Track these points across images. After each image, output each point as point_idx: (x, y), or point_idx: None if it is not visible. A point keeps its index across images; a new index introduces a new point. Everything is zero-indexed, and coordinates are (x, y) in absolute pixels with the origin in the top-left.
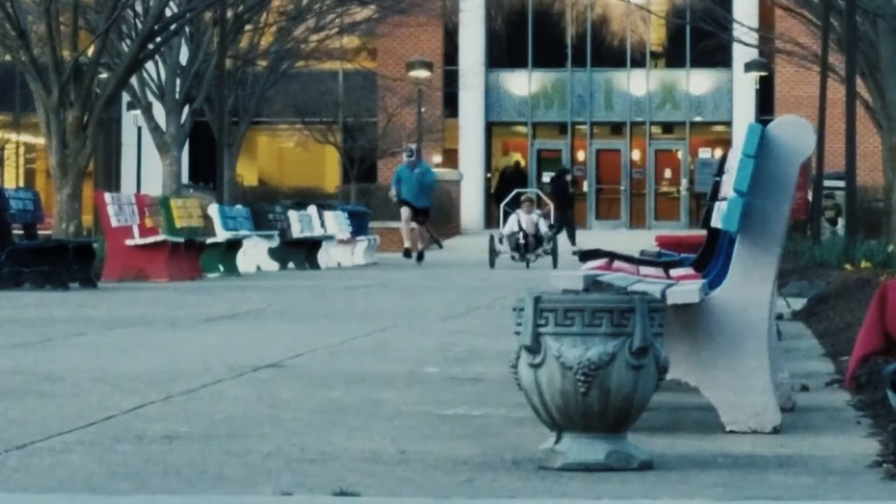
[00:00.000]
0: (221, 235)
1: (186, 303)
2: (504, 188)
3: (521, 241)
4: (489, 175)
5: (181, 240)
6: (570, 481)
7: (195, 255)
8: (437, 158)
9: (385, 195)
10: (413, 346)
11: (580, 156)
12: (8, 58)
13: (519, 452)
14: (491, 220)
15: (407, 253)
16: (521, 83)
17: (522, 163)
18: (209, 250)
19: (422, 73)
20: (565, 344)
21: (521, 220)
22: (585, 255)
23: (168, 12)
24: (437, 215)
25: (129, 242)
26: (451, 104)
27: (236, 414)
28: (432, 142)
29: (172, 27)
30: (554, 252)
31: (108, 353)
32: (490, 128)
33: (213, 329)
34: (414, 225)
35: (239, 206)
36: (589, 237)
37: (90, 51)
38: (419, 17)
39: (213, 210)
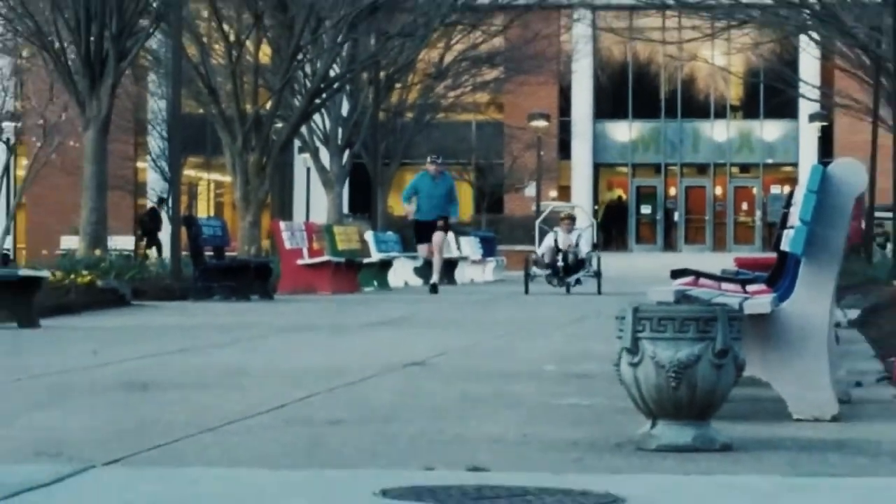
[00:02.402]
0: (375, 256)
1: (346, 312)
2: (609, 218)
3: (560, 263)
4: (596, 207)
5: (342, 260)
6: (663, 460)
7: (354, 273)
8: (553, 193)
9: (511, 222)
10: (533, 348)
11: (672, 191)
12: (201, 111)
13: (621, 436)
14: (597, 244)
15: (434, 288)
16: (623, 131)
17: (624, 197)
18: (365, 269)
19: (540, 123)
20: (659, 347)
21: (559, 239)
22: (676, 274)
23: (332, 73)
24: None
25: (299, 262)
26: (564, 148)
27: (387, 403)
28: (549, 180)
29: (335, 85)
30: (598, 275)
31: (283, 353)
32: (597, 168)
33: (369, 333)
34: (437, 245)
35: (390, 233)
36: (679, 259)
37: (268, 105)
38: (538, 77)
39: (369, 236)
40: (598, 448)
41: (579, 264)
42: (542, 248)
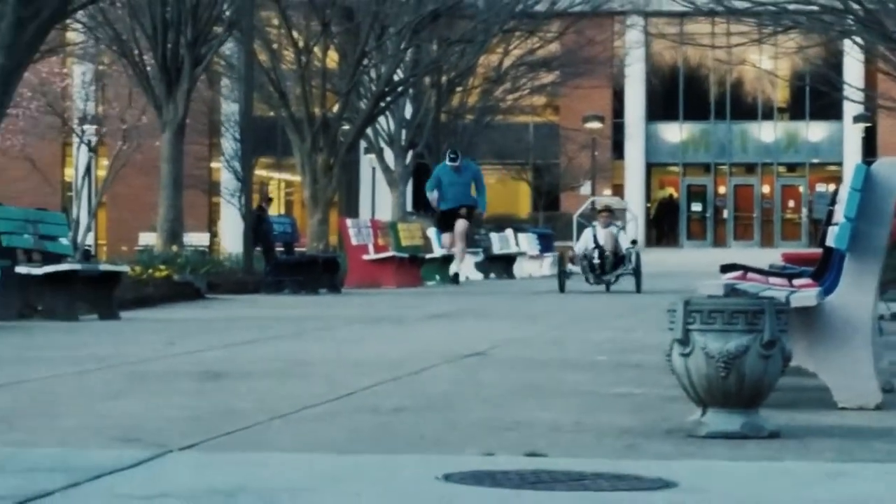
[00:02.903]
0: (437, 252)
1: (409, 304)
2: (660, 215)
3: (597, 259)
4: (648, 205)
5: (406, 255)
6: (713, 447)
7: (417, 268)
8: (608, 191)
9: (567, 219)
10: (587, 339)
11: (721, 190)
12: (271, 113)
13: (671, 423)
14: (650, 240)
15: (454, 278)
16: (674, 132)
17: (675, 195)
18: (428, 264)
19: (595, 125)
20: (709, 338)
21: (598, 234)
22: (725, 268)
23: (396, 77)
24: None
25: (365, 257)
26: (618, 149)
27: (449, 391)
28: (603, 179)
29: (399, 89)
30: (637, 272)
31: (349, 344)
32: (649, 168)
33: (431, 325)
34: (459, 234)
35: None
36: (727, 254)
37: (335, 108)
38: (593, 80)
39: (431, 232)
40: (650, 435)
41: (618, 261)
42: (580, 244)
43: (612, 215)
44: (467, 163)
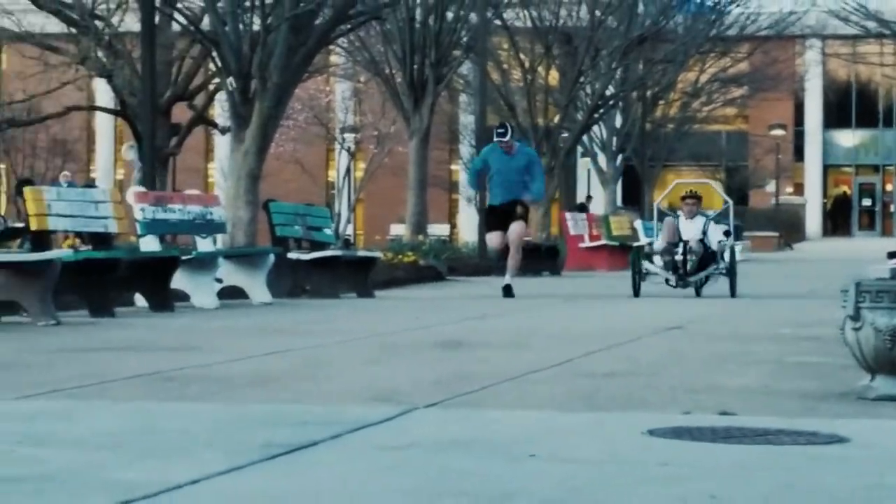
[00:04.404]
0: (643, 241)
1: (619, 286)
2: (836, 209)
3: (681, 256)
4: (825, 201)
5: (617, 243)
6: (881, 408)
7: (625, 254)
8: (790, 189)
9: (755, 213)
10: (768, 316)
11: (888, 187)
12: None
13: (844, 388)
14: (825, 231)
15: (508, 290)
16: (848, 138)
17: (848, 192)
18: (633, 251)
19: (779, 132)
20: (878, 314)
21: (682, 226)
22: (892, 255)
23: (607, 92)
24: (789, 229)
25: (581, 245)
26: (798, 153)
27: (652, 359)
28: (785, 178)
29: (610, 102)
30: (731, 272)
31: (567, 318)
32: (825, 169)
33: (637, 303)
34: (514, 242)
35: (653, 221)
36: (893, 243)
37: (556, 119)
38: (777, 94)
39: (638, 224)
40: (826, 397)
41: (708, 258)
42: (661, 241)
43: (700, 202)
44: (521, 145)
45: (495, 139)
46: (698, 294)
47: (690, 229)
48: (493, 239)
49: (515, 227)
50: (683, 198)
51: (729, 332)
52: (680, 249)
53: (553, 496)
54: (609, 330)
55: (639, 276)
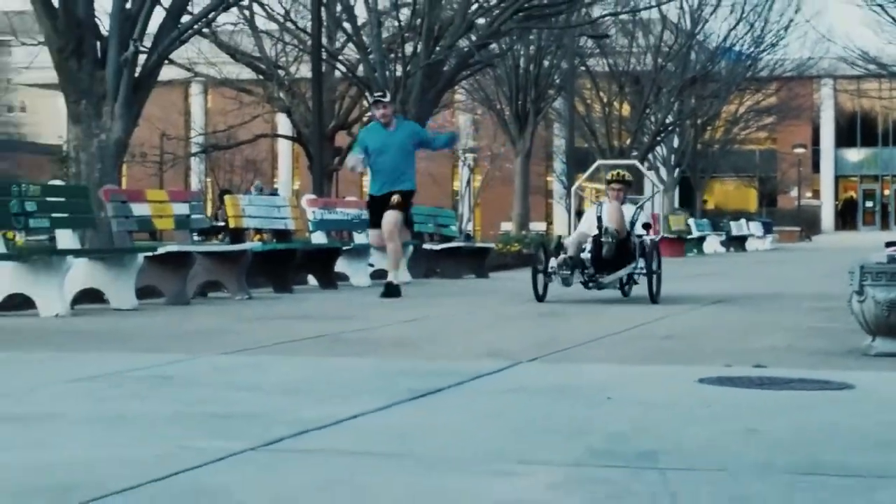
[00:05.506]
0: (695, 234)
1: (676, 269)
2: (845, 209)
3: (590, 253)
4: (836, 203)
5: (674, 236)
6: (880, 362)
7: (681, 245)
8: (809, 194)
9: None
10: (796, 291)
11: (886, 192)
12: (585, 145)
13: (851, 347)
14: (837, 226)
15: (389, 288)
16: (854, 154)
17: (854, 196)
18: (688, 242)
19: (800, 150)
20: (877, 290)
21: (603, 213)
22: (889, 244)
23: (667, 120)
24: (808, 225)
25: None
26: (815, 166)
27: (701, 326)
28: (805, 185)
29: (669, 128)
30: (650, 271)
31: (637, 290)
32: (837, 178)
33: (690, 281)
34: (387, 232)
35: (704, 220)
36: (890, 235)
37: (627, 141)
38: (798, 121)
39: (691, 221)
40: (835, 354)
41: (622, 254)
42: (576, 234)
43: (628, 188)
44: (401, 118)
45: (372, 108)
46: (625, 295)
47: (612, 216)
48: (371, 236)
49: (387, 217)
50: (609, 181)
51: (763, 304)
52: (589, 244)
53: (622, 429)
54: (666, 300)
55: (537, 277)
